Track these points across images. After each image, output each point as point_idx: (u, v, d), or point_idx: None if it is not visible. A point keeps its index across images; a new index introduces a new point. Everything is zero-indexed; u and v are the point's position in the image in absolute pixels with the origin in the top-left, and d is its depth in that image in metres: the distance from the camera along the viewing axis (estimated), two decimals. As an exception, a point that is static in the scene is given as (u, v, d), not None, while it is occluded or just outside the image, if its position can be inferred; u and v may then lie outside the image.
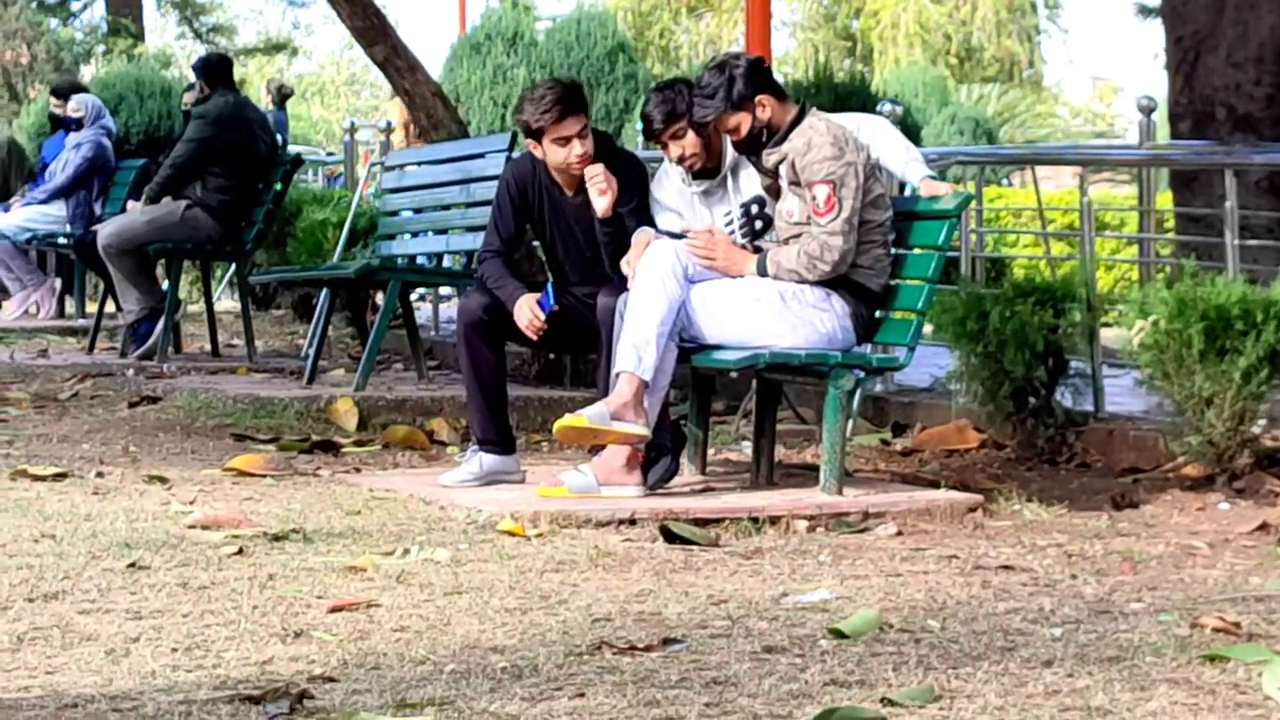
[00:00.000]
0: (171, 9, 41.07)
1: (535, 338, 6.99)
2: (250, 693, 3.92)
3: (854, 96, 13.62)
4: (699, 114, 6.76)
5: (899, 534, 6.21)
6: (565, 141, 6.96)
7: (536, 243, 7.75)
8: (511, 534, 6.02)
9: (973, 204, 9.63)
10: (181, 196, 11.14)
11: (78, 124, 13.83)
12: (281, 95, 20.75)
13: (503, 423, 7.05)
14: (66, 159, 13.81)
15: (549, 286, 7.05)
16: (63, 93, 14.41)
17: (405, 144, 15.55)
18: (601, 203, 6.93)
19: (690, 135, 6.87)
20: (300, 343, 12.75)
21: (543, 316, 6.91)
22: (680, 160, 6.94)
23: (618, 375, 6.51)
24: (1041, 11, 48.17)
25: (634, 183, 7.07)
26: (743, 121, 6.71)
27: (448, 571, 5.38)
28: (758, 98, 6.70)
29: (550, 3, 74.60)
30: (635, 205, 7.02)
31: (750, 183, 6.94)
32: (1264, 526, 6.29)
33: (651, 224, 7.00)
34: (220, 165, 11.09)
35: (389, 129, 15.83)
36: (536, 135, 6.98)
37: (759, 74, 6.77)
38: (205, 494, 6.82)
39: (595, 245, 7.04)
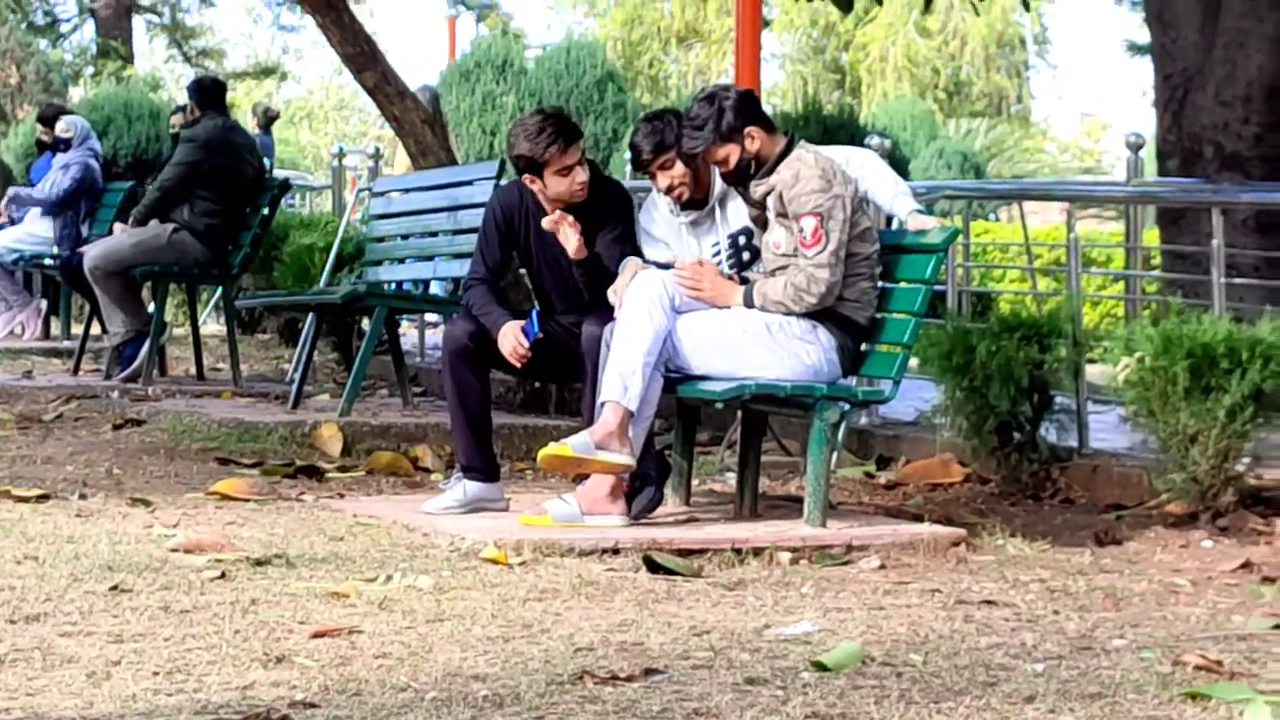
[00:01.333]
0: (161, 32, 41.13)
1: (520, 365, 6.99)
2: (231, 717, 3.91)
3: (842, 129, 13.67)
4: (688, 145, 6.76)
5: (882, 567, 6.21)
6: (568, 171, 6.95)
7: (523, 270, 7.74)
8: (495, 562, 6.00)
9: (960, 238, 9.64)
10: (168, 219, 11.14)
11: (65, 144, 13.82)
12: (267, 119, 20.77)
13: (487, 450, 7.04)
14: (53, 179, 13.80)
15: (534, 314, 7.04)
16: (49, 119, 14.41)
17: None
18: (571, 244, 6.91)
19: (679, 166, 6.87)
20: (285, 367, 12.74)
21: (527, 344, 6.90)
22: (668, 190, 6.94)
23: (603, 404, 6.50)
24: (1031, 47, 48.30)
25: (620, 212, 7.07)
26: (731, 153, 6.71)
27: (430, 599, 5.37)
28: (746, 129, 6.70)
29: (540, 31, 74.70)
30: (620, 234, 7.02)
31: (738, 214, 6.95)
32: (1247, 565, 6.29)
33: (638, 253, 6.99)
34: (208, 189, 11.09)
35: (377, 154, 15.83)
36: (538, 169, 6.96)
37: (748, 106, 6.78)
38: (188, 518, 6.80)
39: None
